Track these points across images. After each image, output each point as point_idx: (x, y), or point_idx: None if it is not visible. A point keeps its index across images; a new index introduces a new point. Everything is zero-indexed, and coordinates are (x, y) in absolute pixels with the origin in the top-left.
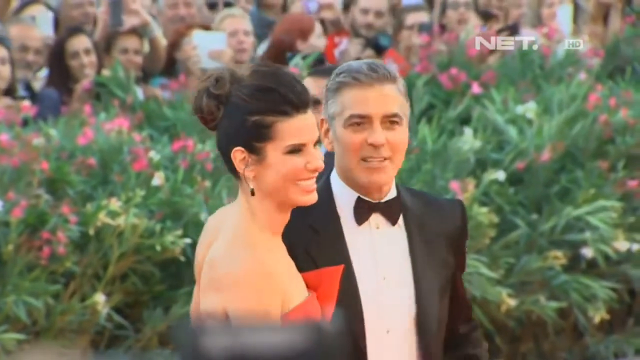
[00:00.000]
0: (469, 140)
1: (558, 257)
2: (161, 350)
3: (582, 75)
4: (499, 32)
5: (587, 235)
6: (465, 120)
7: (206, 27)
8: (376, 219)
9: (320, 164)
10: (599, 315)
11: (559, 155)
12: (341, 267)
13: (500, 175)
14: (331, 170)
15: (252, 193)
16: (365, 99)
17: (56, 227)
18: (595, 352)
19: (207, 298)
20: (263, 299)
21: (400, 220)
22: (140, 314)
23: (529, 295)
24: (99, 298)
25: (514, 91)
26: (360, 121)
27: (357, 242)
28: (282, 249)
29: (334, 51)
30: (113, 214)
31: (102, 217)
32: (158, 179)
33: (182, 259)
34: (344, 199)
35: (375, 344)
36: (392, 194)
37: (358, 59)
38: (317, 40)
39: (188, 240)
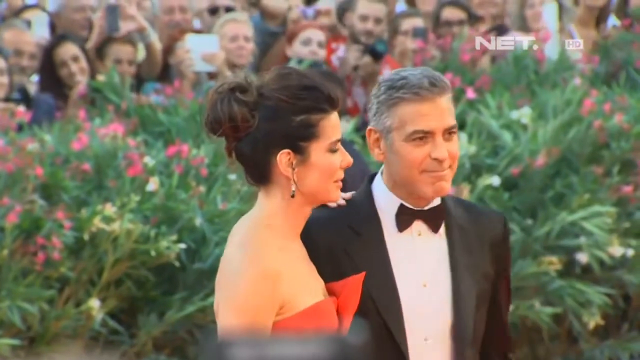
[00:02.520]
0: (463, 146)
1: (553, 262)
2: (156, 355)
3: (576, 81)
4: (486, 33)
5: (582, 240)
6: (459, 125)
7: (199, 32)
8: (418, 226)
9: (350, 159)
10: (593, 320)
11: (554, 161)
12: (362, 275)
13: (495, 180)
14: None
15: (293, 195)
16: (428, 114)
17: (51, 232)
18: (590, 357)
19: (215, 298)
20: (250, 299)
21: (442, 228)
22: (135, 319)
23: (523, 301)
24: (94, 303)
25: (509, 96)
26: (423, 136)
27: (397, 248)
28: (296, 251)
29: (332, 57)
30: (108, 219)
31: (97, 223)
32: (153, 184)
33: (177, 264)
34: (386, 205)
35: (415, 351)
36: (436, 201)
37: (356, 66)
38: (318, 49)
39: (183, 246)
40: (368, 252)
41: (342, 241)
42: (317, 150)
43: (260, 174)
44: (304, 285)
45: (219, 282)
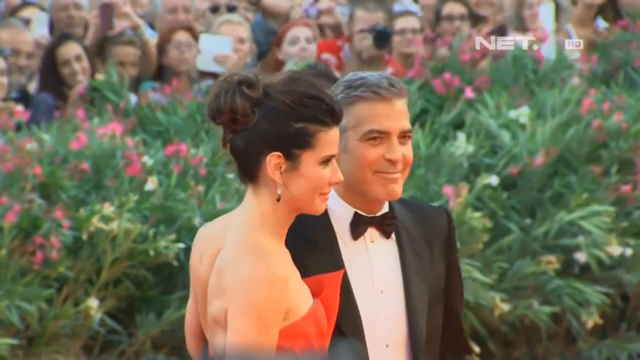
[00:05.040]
0: (462, 145)
1: (551, 261)
2: (154, 354)
3: (575, 80)
4: (489, 34)
5: (581, 240)
6: (458, 125)
7: (192, 30)
8: (371, 233)
9: (341, 177)
10: (592, 320)
11: (552, 160)
12: (341, 272)
13: (494, 180)
14: None
15: (279, 199)
16: (386, 115)
17: (49, 231)
18: (588, 357)
19: (214, 304)
20: (267, 305)
21: (393, 234)
22: (133, 319)
23: (522, 300)
24: (92, 303)
25: (507, 96)
26: (378, 136)
27: (353, 256)
28: (288, 255)
29: (340, 55)
30: (106, 219)
31: (95, 222)
32: (151, 184)
33: (176, 263)
34: (340, 213)
35: (377, 358)
36: (386, 207)
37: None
38: (306, 46)
39: (181, 245)
40: (324, 263)
41: (299, 252)
42: (308, 161)
43: (249, 171)
44: (301, 289)
45: (227, 287)
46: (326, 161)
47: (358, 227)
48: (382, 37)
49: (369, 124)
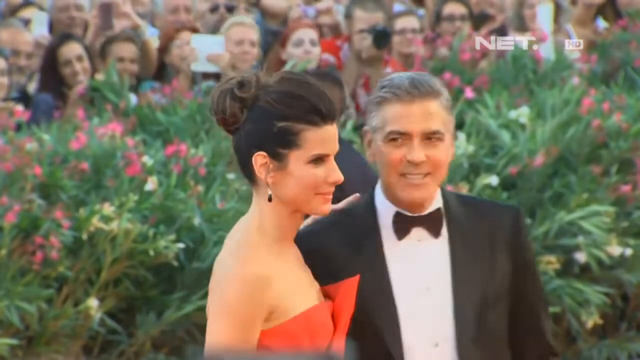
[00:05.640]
0: (462, 145)
1: (551, 261)
2: (154, 354)
3: (575, 80)
4: (489, 34)
5: (580, 240)
6: (458, 125)
7: (195, 30)
8: (418, 232)
9: (339, 177)
10: (592, 320)
11: (552, 160)
12: (357, 277)
13: (494, 180)
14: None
15: (270, 199)
16: (405, 116)
17: (49, 231)
18: (588, 357)
19: (207, 301)
20: (241, 305)
21: (445, 231)
22: (133, 319)
23: None
24: (92, 303)
25: (507, 96)
26: (399, 137)
27: (397, 257)
28: (290, 254)
29: (339, 55)
30: (106, 219)
31: (95, 222)
32: (151, 184)
33: (175, 263)
34: (385, 213)
35: (424, 357)
36: (435, 205)
37: (359, 52)
38: (311, 48)
39: (181, 245)
40: (365, 264)
41: (341, 253)
42: (296, 160)
43: (246, 172)
44: (297, 291)
45: (211, 285)
46: (316, 160)
47: (401, 226)
48: (381, 37)
49: (390, 125)
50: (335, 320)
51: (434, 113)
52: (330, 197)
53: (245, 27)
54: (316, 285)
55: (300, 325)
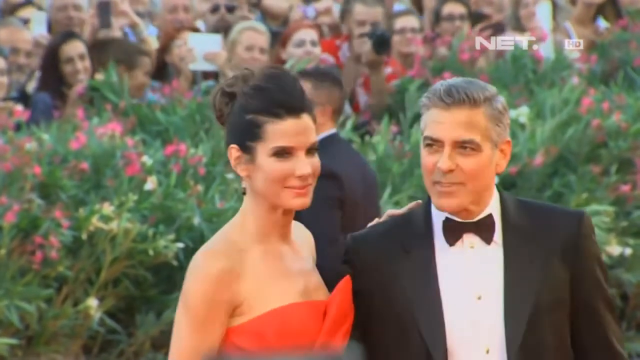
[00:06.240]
0: None
1: None
2: (154, 354)
3: (574, 80)
4: (482, 30)
5: None
6: None
7: (196, 30)
8: (470, 238)
9: (305, 171)
10: None
11: (552, 160)
12: (347, 278)
13: None
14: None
15: (244, 192)
16: (439, 123)
17: (49, 231)
18: None
19: None
20: (200, 299)
21: (499, 238)
22: (132, 319)
23: None
24: (92, 302)
25: (507, 95)
26: (432, 143)
27: (449, 263)
28: (277, 250)
29: (339, 54)
30: (106, 219)
31: (95, 222)
32: (151, 184)
33: (175, 263)
34: (437, 219)
35: None
36: (487, 211)
37: (359, 56)
38: (312, 49)
39: (181, 245)
40: (415, 270)
41: (391, 260)
42: (262, 153)
43: (232, 166)
44: (271, 288)
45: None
46: (280, 153)
47: (451, 232)
48: (381, 43)
49: (427, 130)
50: (330, 321)
51: (469, 122)
52: (304, 191)
53: (257, 33)
54: (306, 282)
55: (268, 323)
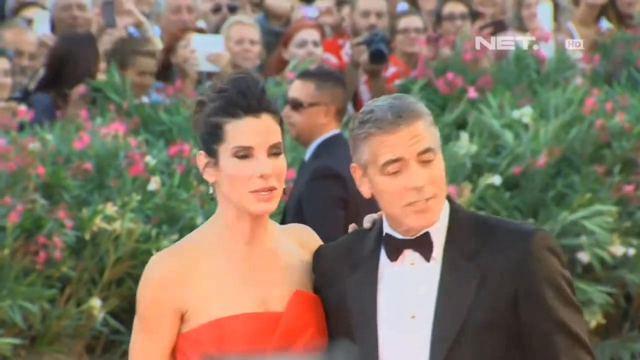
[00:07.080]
0: (465, 145)
1: None
2: None
3: (577, 80)
4: (482, 28)
5: (583, 239)
6: (461, 124)
7: (201, 31)
8: (411, 255)
9: (265, 170)
10: (595, 320)
11: (555, 160)
12: (297, 291)
13: (497, 179)
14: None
15: (211, 197)
16: (396, 144)
17: (52, 231)
18: None
19: None
20: (147, 305)
21: (439, 255)
22: None
23: None
24: (95, 303)
25: (510, 96)
26: (395, 165)
27: (390, 279)
28: (240, 258)
29: (341, 53)
30: (109, 219)
31: (98, 222)
32: (154, 184)
33: None
34: (386, 235)
35: None
36: (429, 228)
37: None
38: (314, 49)
39: None
40: (360, 286)
41: (343, 273)
42: (224, 155)
43: None
44: (222, 296)
45: None
46: (241, 153)
47: (393, 248)
48: (378, 56)
49: (383, 156)
50: (285, 333)
51: (422, 133)
52: (267, 196)
53: (245, 26)
54: (273, 294)
55: (208, 333)
